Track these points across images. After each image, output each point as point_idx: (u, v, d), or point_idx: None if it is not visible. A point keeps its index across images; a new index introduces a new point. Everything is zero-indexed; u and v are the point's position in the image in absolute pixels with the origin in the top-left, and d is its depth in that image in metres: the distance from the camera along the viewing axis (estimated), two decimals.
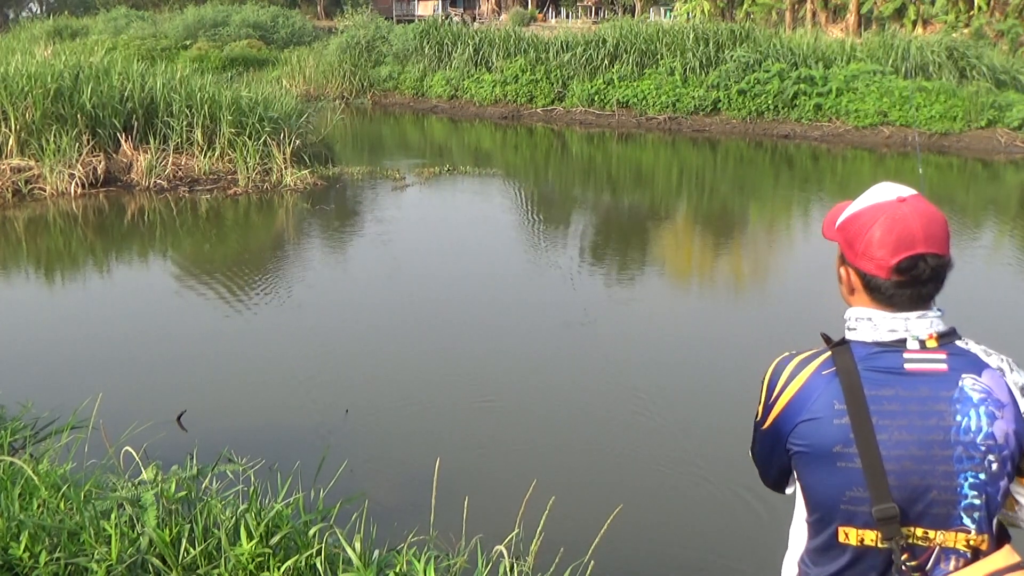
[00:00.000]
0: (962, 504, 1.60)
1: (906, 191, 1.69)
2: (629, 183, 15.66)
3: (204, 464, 3.56)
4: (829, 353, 1.69)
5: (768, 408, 1.73)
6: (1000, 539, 1.67)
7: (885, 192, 1.70)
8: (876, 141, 17.97)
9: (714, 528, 4.55)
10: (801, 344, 1.83)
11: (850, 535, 1.65)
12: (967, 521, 1.61)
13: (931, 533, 1.61)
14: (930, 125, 17.66)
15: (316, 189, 13.31)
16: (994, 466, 1.59)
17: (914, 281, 1.64)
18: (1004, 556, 1.61)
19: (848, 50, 19.99)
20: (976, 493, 1.60)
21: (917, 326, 1.66)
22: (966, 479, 1.59)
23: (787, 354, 1.76)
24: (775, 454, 1.76)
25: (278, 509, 3.22)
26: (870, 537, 1.63)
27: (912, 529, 1.61)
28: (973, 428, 1.59)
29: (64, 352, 6.99)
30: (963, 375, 1.62)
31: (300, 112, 14.86)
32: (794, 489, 1.83)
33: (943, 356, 1.64)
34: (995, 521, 1.65)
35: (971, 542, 1.62)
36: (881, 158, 16.91)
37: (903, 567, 1.61)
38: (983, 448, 1.59)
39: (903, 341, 1.65)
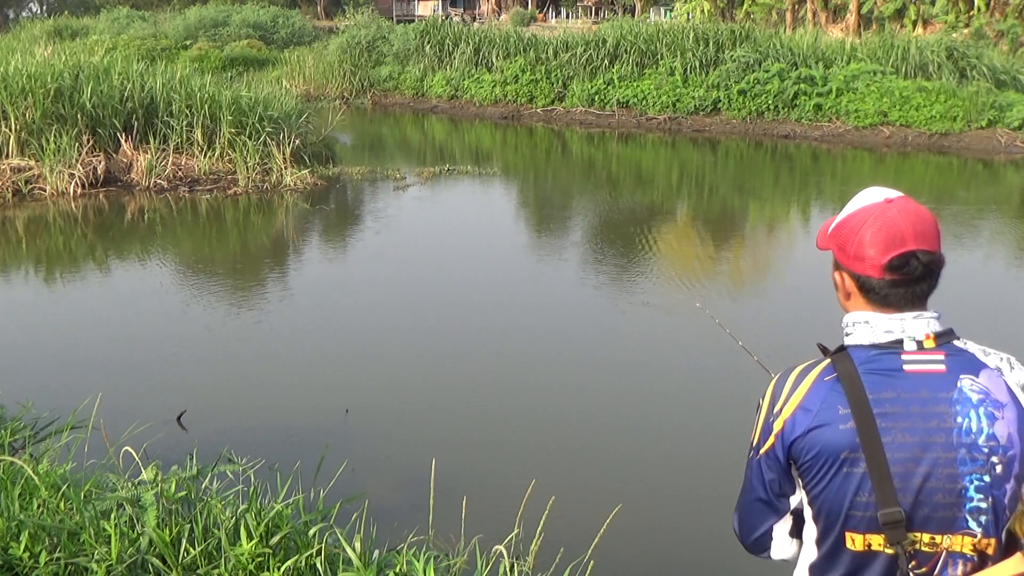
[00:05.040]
0: (967, 507, 1.59)
1: (893, 193, 1.70)
2: (629, 183, 15.65)
3: (204, 464, 3.57)
4: (828, 361, 1.70)
5: (768, 425, 1.71)
6: (1010, 547, 1.65)
7: (873, 195, 1.71)
8: (876, 141, 17.97)
9: (714, 528, 4.54)
10: (802, 351, 1.82)
11: (856, 540, 1.64)
12: (973, 525, 1.60)
13: (938, 538, 1.60)
14: (930, 125, 17.66)
15: (316, 189, 13.31)
16: (999, 468, 1.58)
17: (907, 279, 1.64)
18: (1015, 564, 1.60)
19: (848, 50, 19.99)
20: (982, 496, 1.59)
21: (913, 327, 1.65)
22: (971, 482, 1.58)
23: (784, 369, 1.75)
24: (775, 482, 1.73)
25: (278, 509, 3.21)
26: (877, 542, 1.62)
27: (919, 535, 1.60)
28: (974, 429, 1.58)
29: (64, 352, 6.98)
30: (961, 375, 1.61)
31: (300, 112, 14.86)
32: (780, 550, 1.80)
33: (941, 356, 1.63)
34: (1005, 530, 1.63)
35: (977, 546, 1.61)
36: (881, 158, 16.91)
37: (910, 573, 1.60)
38: (986, 450, 1.58)
39: (900, 342, 1.65)
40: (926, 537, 1.60)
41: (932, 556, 1.62)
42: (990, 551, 1.62)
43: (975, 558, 1.62)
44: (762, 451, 1.73)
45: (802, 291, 8.84)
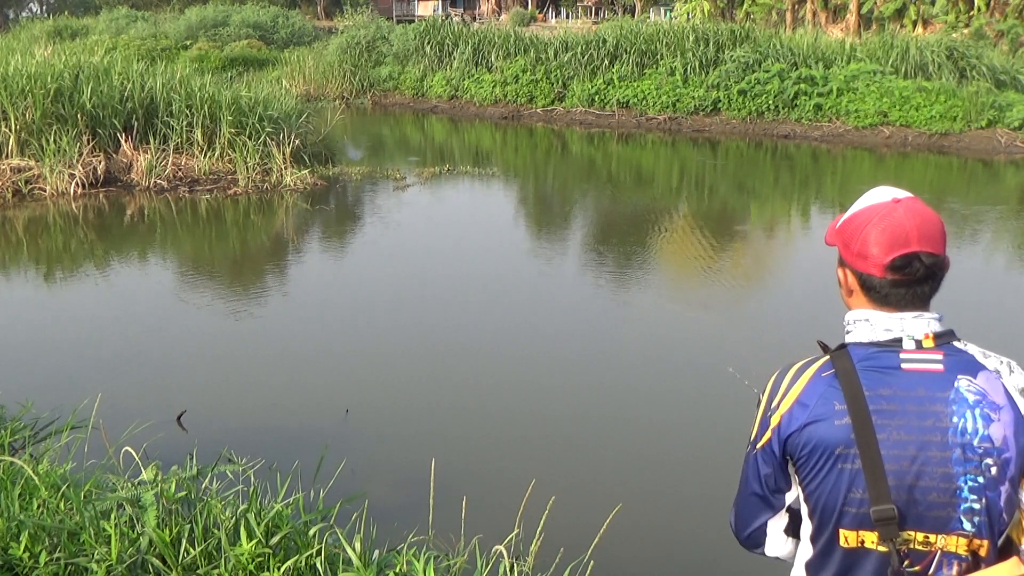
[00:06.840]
0: (961, 508, 1.59)
1: (902, 193, 1.71)
2: (629, 183, 15.65)
3: (204, 464, 3.57)
4: (827, 357, 1.70)
5: (766, 420, 1.72)
6: (1006, 551, 1.64)
7: (881, 194, 1.72)
8: (876, 141, 17.97)
9: (714, 528, 4.55)
10: (802, 350, 1.83)
11: (849, 538, 1.64)
12: (967, 525, 1.60)
13: (932, 537, 1.60)
14: (930, 125, 17.66)
15: (316, 189, 13.31)
16: (993, 470, 1.58)
17: (909, 280, 1.65)
18: (1011, 567, 1.60)
19: (848, 50, 19.99)
20: (976, 497, 1.59)
21: (913, 326, 1.66)
22: (965, 482, 1.58)
23: (783, 365, 1.76)
24: (770, 477, 1.74)
25: (278, 509, 3.21)
26: (870, 539, 1.63)
27: (912, 534, 1.60)
28: (970, 430, 1.58)
29: (64, 352, 6.99)
30: (958, 376, 1.61)
31: (300, 112, 14.86)
32: (774, 547, 1.80)
33: (939, 356, 1.63)
34: (1004, 535, 1.63)
35: (971, 547, 1.61)
36: (881, 158, 16.91)
37: (902, 571, 1.60)
38: (980, 451, 1.58)
39: (899, 341, 1.66)
40: (920, 536, 1.61)
41: (926, 555, 1.62)
42: (982, 552, 1.62)
43: (969, 559, 1.62)
44: (759, 446, 1.74)
45: (806, 290, 8.84)
